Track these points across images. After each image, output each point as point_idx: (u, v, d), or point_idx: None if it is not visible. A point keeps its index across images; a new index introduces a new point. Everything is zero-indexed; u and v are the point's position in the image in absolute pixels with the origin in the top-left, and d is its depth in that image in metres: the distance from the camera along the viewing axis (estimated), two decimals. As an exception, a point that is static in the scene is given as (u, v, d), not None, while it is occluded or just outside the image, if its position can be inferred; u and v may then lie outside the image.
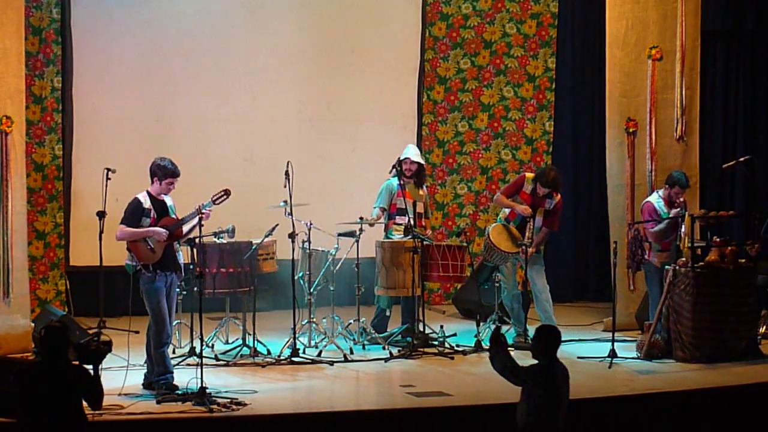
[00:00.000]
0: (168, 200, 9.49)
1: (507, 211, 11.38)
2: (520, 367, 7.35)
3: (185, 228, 9.42)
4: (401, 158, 11.32)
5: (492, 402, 8.81)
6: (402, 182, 11.21)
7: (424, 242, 10.96)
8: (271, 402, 8.87)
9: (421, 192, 11.43)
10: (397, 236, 11.21)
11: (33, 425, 7.05)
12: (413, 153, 11.41)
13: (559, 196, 11.36)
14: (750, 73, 14.24)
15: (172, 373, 9.32)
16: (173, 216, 9.43)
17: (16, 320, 10.68)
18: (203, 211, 9.34)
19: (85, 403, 7.21)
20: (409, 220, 11.06)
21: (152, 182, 9.45)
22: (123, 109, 12.69)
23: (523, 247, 11.06)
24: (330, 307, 11.09)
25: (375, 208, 11.33)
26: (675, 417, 9.10)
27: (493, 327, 11.05)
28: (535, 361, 7.41)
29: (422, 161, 11.47)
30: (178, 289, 10.54)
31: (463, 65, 13.87)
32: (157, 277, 9.28)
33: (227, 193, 9.56)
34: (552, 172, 11.31)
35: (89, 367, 7.25)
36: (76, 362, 7.25)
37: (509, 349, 7.46)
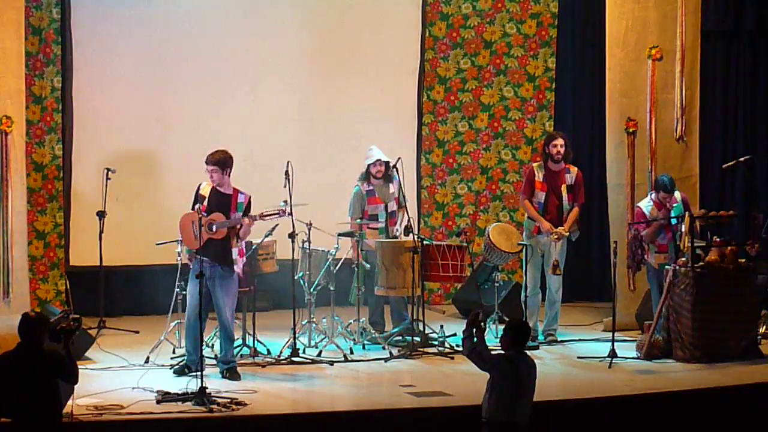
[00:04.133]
0: (241, 197, 9.67)
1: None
2: (488, 353, 7.51)
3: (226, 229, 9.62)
4: (368, 163, 11.34)
5: (492, 402, 8.81)
6: (372, 187, 11.26)
7: (423, 240, 10.96)
8: (271, 402, 8.88)
9: (391, 189, 11.40)
10: (371, 240, 11.21)
11: (12, 416, 7.15)
12: (377, 153, 11.38)
13: (576, 168, 11.34)
14: (750, 73, 14.23)
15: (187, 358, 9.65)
16: (239, 213, 9.60)
17: (16, 320, 10.57)
18: (243, 220, 9.57)
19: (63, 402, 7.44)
20: (408, 221, 11.06)
21: None
22: (123, 109, 12.68)
23: (522, 246, 11.11)
24: (330, 307, 11.09)
25: (350, 219, 11.34)
26: (675, 417, 9.10)
27: (492, 326, 11.12)
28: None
29: (387, 159, 11.35)
30: (178, 290, 10.55)
31: (463, 65, 13.87)
32: (195, 264, 9.55)
33: (281, 213, 9.73)
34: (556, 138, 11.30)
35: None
36: (50, 346, 7.42)
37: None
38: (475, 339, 7.52)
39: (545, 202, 11.22)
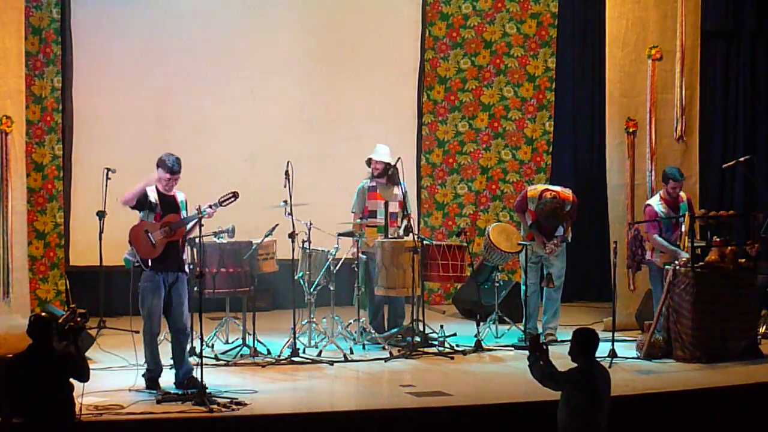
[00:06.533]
0: (180, 195, 9.41)
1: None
2: (560, 373, 7.37)
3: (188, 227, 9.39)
4: (370, 157, 11.37)
5: (492, 402, 8.82)
6: (374, 184, 11.26)
7: (423, 240, 10.96)
8: (271, 402, 8.87)
9: (395, 191, 11.39)
10: (368, 239, 11.20)
11: (25, 416, 7.17)
12: (377, 153, 11.37)
13: (569, 194, 11.30)
14: (750, 73, 14.23)
15: (153, 370, 9.31)
16: (184, 212, 9.31)
17: (16, 320, 10.67)
18: (206, 211, 9.27)
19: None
20: (409, 221, 11.07)
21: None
22: (123, 109, 12.70)
23: (524, 246, 11.11)
24: (330, 307, 11.09)
25: (352, 213, 11.37)
26: (675, 417, 9.10)
27: (493, 327, 11.11)
28: (574, 365, 7.43)
29: (388, 160, 11.31)
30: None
31: (463, 65, 13.87)
32: (156, 275, 9.24)
33: (235, 195, 9.45)
34: (546, 207, 11.11)
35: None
36: (59, 345, 7.45)
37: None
38: (542, 363, 7.34)
39: (534, 224, 11.27)
